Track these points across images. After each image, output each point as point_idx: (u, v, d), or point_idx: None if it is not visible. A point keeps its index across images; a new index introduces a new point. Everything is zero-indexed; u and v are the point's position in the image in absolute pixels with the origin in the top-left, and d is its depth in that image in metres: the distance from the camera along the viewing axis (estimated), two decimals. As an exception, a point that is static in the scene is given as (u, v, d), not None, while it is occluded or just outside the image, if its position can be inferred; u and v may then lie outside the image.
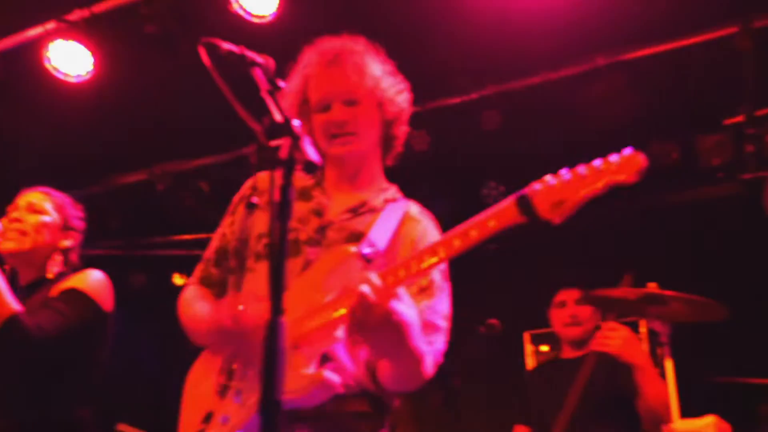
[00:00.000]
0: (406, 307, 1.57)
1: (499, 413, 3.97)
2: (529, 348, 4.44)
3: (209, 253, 1.97)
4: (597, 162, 1.42)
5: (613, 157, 1.42)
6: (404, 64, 1.95)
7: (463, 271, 5.31)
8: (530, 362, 4.39)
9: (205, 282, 1.95)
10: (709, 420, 2.24)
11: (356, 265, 1.70)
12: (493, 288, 4.93)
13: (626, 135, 4.59)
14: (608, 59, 4.22)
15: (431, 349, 1.74)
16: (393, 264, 1.62)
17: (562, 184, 1.43)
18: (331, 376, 1.65)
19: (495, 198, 5.09)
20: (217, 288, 1.94)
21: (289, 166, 1.35)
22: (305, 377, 1.64)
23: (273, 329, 1.22)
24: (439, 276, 1.82)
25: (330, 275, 1.71)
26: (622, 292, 2.72)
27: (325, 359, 1.70)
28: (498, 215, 1.49)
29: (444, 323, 1.80)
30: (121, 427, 3.82)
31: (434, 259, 1.54)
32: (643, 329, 4.05)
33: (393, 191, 1.95)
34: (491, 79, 4.38)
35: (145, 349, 5.57)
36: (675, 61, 4.15)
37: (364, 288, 1.52)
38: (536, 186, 1.46)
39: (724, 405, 2.55)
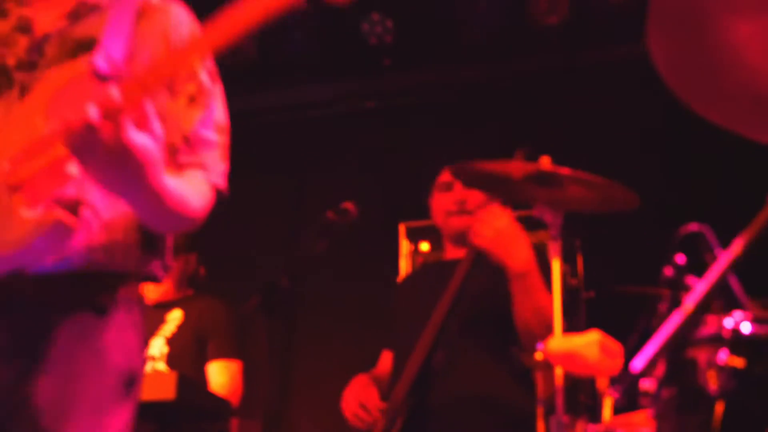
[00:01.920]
0: (144, 138, 1.62)
1: (355, 326, 4.16)
2: (405, 245, 4.59)
3: None
4: None
5: None
6: None
7: (313, 139, 5.41)
8: (405, 264, 4.55)
9: None
10: (592, 337, 2.40)
11: (88, 85, 1.75)
12: (359, 165, 5.04)
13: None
14: None
15: (204, 175, 1.92)
16: (139, 70, 1.68)
17: None
18: (66, 215, 1.68)
19: (379, 36, 5.14)
20: None
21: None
22: (27, 222, 1.68)
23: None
24: (207, 78, 1.96)
25: (54, 100, 1.75)
26: (501, 167, 2.83)
27: (69, 209, 1.73)
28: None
29: (219, 137, 1.98)
30: None
31: (196, 54, 1.65)
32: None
33: None
34: None
35: None
36: None
37: (90, 109, 1.55)
38: None
39: (626, 317, 2.72)
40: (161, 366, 4.08)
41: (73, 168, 1.67)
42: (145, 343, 2.02)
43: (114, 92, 1.57)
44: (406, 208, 3.61)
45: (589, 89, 4.85)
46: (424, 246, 4.53)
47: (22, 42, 1.90)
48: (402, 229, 4.68)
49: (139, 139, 1.60)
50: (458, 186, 3.42)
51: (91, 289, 1.85)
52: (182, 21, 1.99)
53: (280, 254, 4.21)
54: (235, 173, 4.92)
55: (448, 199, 3.46)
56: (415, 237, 4.60)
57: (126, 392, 1.89)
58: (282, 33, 5.24)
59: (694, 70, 1.68)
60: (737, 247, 1.42)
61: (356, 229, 3.54)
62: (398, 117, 5.25)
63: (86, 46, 1.86)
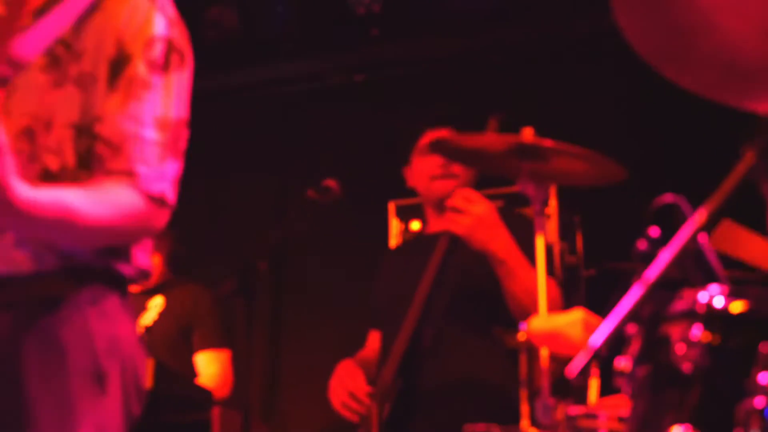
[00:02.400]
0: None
1: (341, 307, 4.16)
2: (395, 224, 4.59)
3: None
4: None
5: None
6: None
7: (299, 114, 5.40)
8: (395, 244, 4.55)
9: None
10: (575, 315, 2.41)
11: None
12: (347, 141, 5.05)
13: None
14: None
15: (132, 181, 1.84)
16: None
17: None
18: None
19: (367, 5, 5.13)
20: None
21: None
22: None
23: None
24: (144, 68, 1.89)
25: None
26: (484, 141, 2.84)
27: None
28: None
29: (159, 134, 1.88)
30: None
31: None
32: (553, 201, 4.25)
33: None
34: None
35: None
36: None
37: None
38: None
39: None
40: (140, 354, 4.10)
41: None
42: (128, 334, 1.99)
43: None
44: (396, 185, 3.59)
45: (586, 58, 4.83)
46: (415, 225, 4.51)
47: None
48: (391, 207, 4.66)
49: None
50: None
51: (40, 289, 1.85)
52: (138, 12, 1.92)
53: (264, 235, 4.24)
54: (220, 149, 4.94)
55: (433, 162, 3.40)
56: (405, 215, 4.58)
57: (97, 388, 1.87)
58: (265, 5, 5.24)
59: (663, 36, 1.68)
60: (701, 217, 1.43)
61: (344, 208, 3.54)
62: (387, 90, 5.26)
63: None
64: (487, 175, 3.40)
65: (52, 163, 1.83)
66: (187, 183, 1.99)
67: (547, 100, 4.58)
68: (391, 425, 3.18)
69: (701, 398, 1.50)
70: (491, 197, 3.91)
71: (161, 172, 1.88)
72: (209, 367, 4.24)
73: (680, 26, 1.66)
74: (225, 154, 5.31)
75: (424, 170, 3.46)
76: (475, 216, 3.05)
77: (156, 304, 4.30)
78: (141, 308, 4.27)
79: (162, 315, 4.27)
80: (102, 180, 1.83)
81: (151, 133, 1.88)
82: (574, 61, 4.81)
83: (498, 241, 3.06)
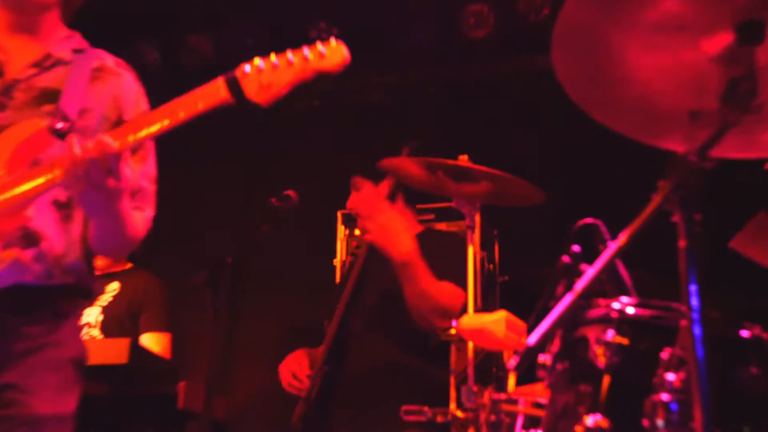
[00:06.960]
0: (127, 171, 1.83)
1: (293, 300, 4.15)
2: (341, 230, 4.58)
3: None
4: (305, 50, 1.79)
5: (321, 46, 1.80)
6: None
7: (270, 137, 5.35)
8: (341, 246, 4.55)
9: None
10: (499, 315, 2.41)
11: (47, 140, 1.94)
12: (304, 159, 5.03)
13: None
14: None
15: (143, 215, 2.11)
16: (123, 127, 1.88)
17: (270, 69, 1.77)
18: (23, 255, 1.90)
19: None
20: None
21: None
22: None
23: None
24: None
25: (15, 151, 1.92)
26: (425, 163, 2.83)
27: (32, 240, 1.95)
28: (206, 96, 1.80)
29: (153, 187, 2.17)
30: None
31: (140, 134, 1.83)
32: (477, 218, 4.25)
33: (78, 39, 2.16)
34: None
35: None
36: None
37: (103, 141, 1.77)
38: (246, 68, 1.78)
39: (534, 298, 2.73)
40: (96, 333, 3.98)
41: (30, 210, 1.88)
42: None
43: (109, 142, 1.77)
44: (343, 197, 3.58)
45: (512, 94, 4.85)
46: (358, 231, 4.52)
47: None
48: (339, 216, 4.67)
49: (126, 172, 1.82)
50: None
51: (51, 299, 2.01)
52: (132, 88, 2.16)
53: (226, 235, 4.21)
54: (193, 161, 4.84)
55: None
56: (350, 223, 4.60)
57: (79, 374, 2.07)
58: (237, 37, 5.17)
59: (593, 84, 1.70)
60: (622, 239, 1.42)
61: (300, 215, 3.53)
62: (340, 116, 5.25)
63: (47, 95, 2.02)
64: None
65: (61, 196, 2.01)
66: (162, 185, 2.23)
67: (485, 129, 4.58)
68: (318, 404, 3.18)
69: (611, 391, 1.50)
70: (428, 211, 3.93)
71: (151, 215, 2.16)
72: (152, 347, 4.11)
73: (608, 78, 1.68)
74: (197, 163, 5.26)
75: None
76: (379, 224, 2.96)
77: (112, 288, 4.18)
78: (99, 291, 4.14)
79: (116, 297, 4.14)
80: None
81: (151, 186, 2.17)
82: (508, 94, 4.81)
83: (399, 247, 2.93)
